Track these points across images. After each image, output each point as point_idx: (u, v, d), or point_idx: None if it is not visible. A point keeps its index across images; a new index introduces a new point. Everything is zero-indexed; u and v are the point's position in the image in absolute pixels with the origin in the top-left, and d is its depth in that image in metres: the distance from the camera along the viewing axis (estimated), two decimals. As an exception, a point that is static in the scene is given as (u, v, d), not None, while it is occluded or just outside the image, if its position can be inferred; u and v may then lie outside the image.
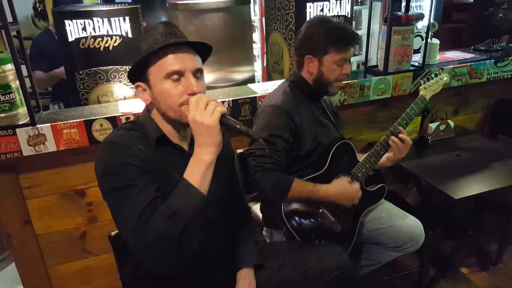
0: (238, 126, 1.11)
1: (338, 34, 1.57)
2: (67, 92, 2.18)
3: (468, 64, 2.55)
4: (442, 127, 2.50)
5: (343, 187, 1.63)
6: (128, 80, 2.05)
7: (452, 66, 2.51)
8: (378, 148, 1.71)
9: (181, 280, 1.24)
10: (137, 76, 1.19)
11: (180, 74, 1.14)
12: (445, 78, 1.86)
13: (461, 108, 2.80)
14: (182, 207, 1.06)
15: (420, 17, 3.68)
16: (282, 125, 1.59)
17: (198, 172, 1.08)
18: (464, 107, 2.81)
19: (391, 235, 1.74)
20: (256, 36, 4.22)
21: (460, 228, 2.54)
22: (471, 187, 1.94)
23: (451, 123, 2.52)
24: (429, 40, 2.50)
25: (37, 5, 3.07)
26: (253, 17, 4.18)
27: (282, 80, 1.87)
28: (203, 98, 1.09)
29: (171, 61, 1.13)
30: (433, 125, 2.48)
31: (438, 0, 4.92)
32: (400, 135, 1.66)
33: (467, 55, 2.76)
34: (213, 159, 1.10)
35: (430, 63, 2.57)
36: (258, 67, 4.04)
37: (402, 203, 2.08)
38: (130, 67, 1.19)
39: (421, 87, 1.80)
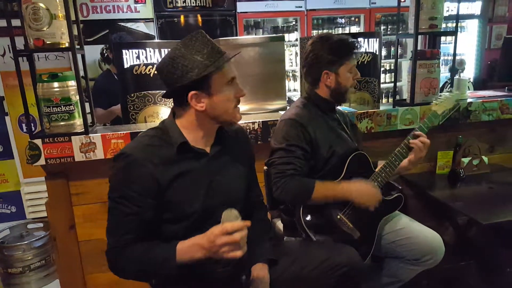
0: None
1: (345, 46, 1.75)
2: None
3: (499, 99, 2.57)
4: (475, 162, 2.48)
5: (363, 186, 1.69)
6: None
7: (481, 101, 2.54)
8: (398, 153, 1.77)
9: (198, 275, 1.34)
10: (192, 86, 1.26)
11: (233, 79, 1.32)
12: (457, 93, 1.95)
13: (497, 146, 2.76)
14: (152, 270, 1.27)
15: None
16: (297, 136, 1.71)
17: (187, 256, 1.22)
18: (500, 144, 2.77)
19: (409, 246, 1.73)
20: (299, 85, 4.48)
21: (497, 264, 2.40)
22: (501, 214, 1.90)
23: (485, 159, 2.50)
24: (457, 76, 2.58)
25: (104, 51, 3.57)
26: (295, 68, 4.51)
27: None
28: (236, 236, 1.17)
29: (231, 69, 1.30)
30: (465, 160, 2.48)
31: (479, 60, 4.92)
32: (420, 138, 1.75)
33: (499, 93, 2.78)
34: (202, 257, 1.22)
35: (459, 98, 2.61)
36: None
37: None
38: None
39: (432, 103, 1.92)
